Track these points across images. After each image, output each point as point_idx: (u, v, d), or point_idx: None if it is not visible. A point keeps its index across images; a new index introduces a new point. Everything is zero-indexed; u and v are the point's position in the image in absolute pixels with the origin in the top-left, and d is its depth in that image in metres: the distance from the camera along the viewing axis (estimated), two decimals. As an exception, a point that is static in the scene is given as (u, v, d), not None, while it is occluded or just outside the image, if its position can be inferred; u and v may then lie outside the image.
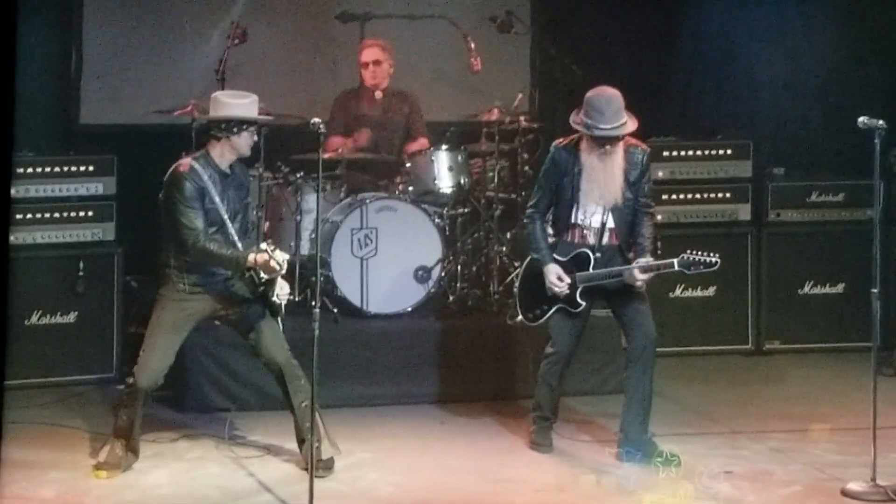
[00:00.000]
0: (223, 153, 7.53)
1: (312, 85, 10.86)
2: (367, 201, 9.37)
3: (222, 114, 7.52)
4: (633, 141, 7.85)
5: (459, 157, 9.70)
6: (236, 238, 7.47)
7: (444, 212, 9.65)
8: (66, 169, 9.37)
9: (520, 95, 10.11)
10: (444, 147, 9.69)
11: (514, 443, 8.19)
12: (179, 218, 7.39)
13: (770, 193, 10.41)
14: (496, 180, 9.78)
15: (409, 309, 9.37)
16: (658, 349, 7.94)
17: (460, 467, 7.76)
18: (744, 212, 10.41)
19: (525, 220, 8.00)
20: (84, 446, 7.89)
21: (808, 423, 8.56)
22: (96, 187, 9.42)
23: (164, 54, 10.77)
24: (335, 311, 9.15)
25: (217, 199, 7.46)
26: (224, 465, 7.73)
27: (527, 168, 9.86)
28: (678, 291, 10.20)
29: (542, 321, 7.92)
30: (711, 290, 10.26)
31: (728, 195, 10.39)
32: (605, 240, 7.80)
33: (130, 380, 7.51)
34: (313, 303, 7.06)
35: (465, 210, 9.84)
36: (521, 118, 9.90)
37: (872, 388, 7.38)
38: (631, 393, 7.82)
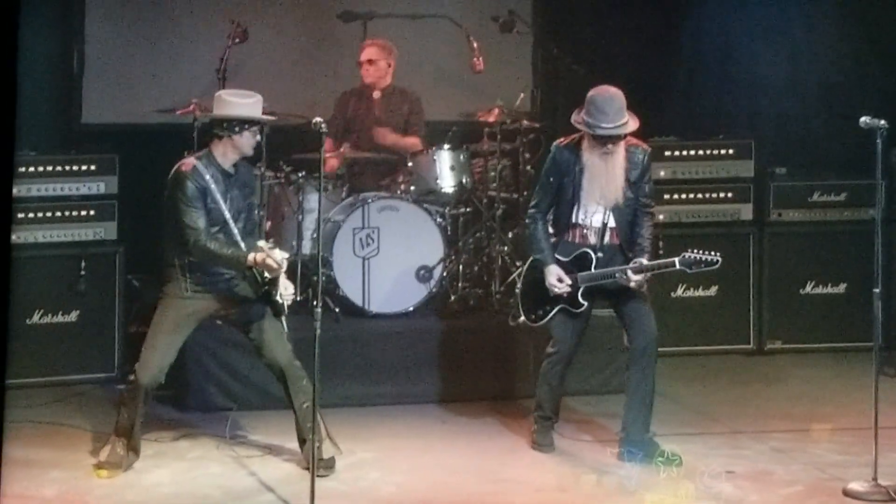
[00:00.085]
0: (225, 152, 7.53)
1: (314, 84, 10.86)
2: (369, 201, 9.37)
3: (224, 113, 7.52)
4: (634, 141, 7.85)
5: (461, 157, 9.70)
6: (239, 237, 7.47)
7: (446, 211, 9.65)
8: (67, 168, 9.38)
9: (521, 95, 10.12)
10: (446, 146, 9.69)
11: (515, 442, 8.19)
12: (181, 217, 7.40)
13: (772, 193, 10.41)
14: (498, 180, 9.78)
15: (411, 308, 9.37)
16: (659, 349, 7.94)
17: (461, 467, 7.76)
18: (745, 211, 10.41)
19: (527, 221, 7.99)
20: (85, 445, 7.89)
21: (809, 423, 8.56)
22: (98, 186, 9.42)
23: (165, 53, 10.78)
24: (337, 310, 9.15)
25: (219, 198, 7.45)
26: (225, 465, 7.73)
27: (529, 168, 9.86)
28: (680, 291, 10.20)
29: (544, 322, 7.91)
30: (713, 290, 10.26)
31: (730, 195, 10.39)
32: (607, 239, 7.80)
33: (132, 377, 7.52)
34: (315, 302, 7.05)
35: (467, 210, 9.84)
36: (523, 118, 9.90)
37: (874, 388, 7.38)
38: (632, 393, 7.82)
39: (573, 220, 7.82)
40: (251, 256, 7.29)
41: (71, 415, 8.54)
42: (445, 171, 9.65)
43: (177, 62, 10.76)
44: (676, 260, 7.68)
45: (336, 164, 9.67)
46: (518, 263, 9.19)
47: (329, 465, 7.52)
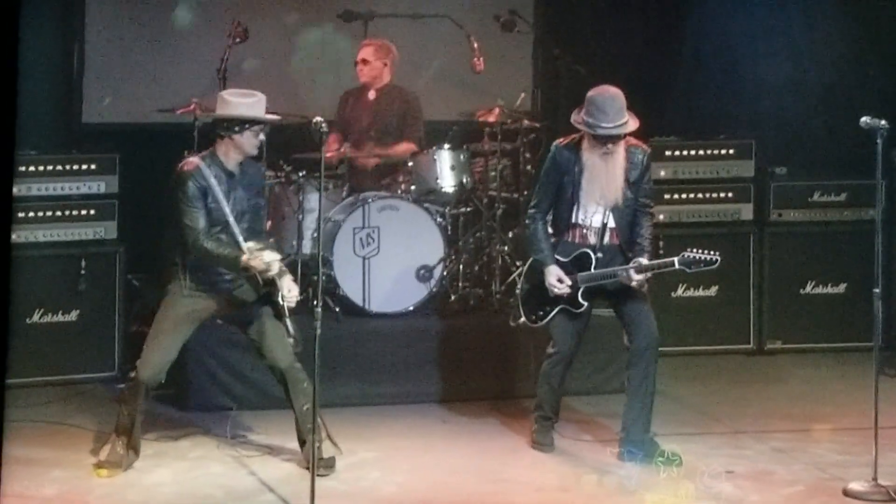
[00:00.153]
0: (228, 152, 7.51)
1: (314, 83, 10.86)
2: (370, 200, 9.37)
3: (226, 112, 7.51)
4: (634, 141, 7.85)
5: (462, 157, 9.70)
6: (240, 238, 7.45)
7: (447, 211, 9.65)
8: (68, 167, 9.37)
9: (522, 95, 10.12)
10: (446, 146, 9.69)
11: (515, 442, 8.19)
12: (181, 217, 7.40)
13: (772, 193, 10.40)
14: (498, 180, 9.79)
15: (411, 308, 9.37)
16: (660, 349, 7.94)
17: (462, 467, 7.76)
18: (746, 211, 10.40)
19: (526, 221, 7.99)
20: (86, 445, 7.89)
21: (809, 423, 8.57)
22: (98, 186, 9.42)
23: (165, 53, 10.78)
24: (337, 310, 9.15)
25: (221, 198, 7.44)
26: (226, 464, 7.73)
27: (529, 167, 9.86)
28: (680, 291, 10.20)
29: (544, 322, 7.91)
30: (713, 290, 10.26)
31: (730, 195, 10.39)
32: (607, 239, 7.80)
33: (133, 374, 7.52)
34: (315, 302, 7.05)
35: (468, 209, 9.84)
36: (524, 117, 9.91)
37: (874, 388, 7.38)
38: (633, 393, 7.82)
39: (573, 221, 7.81)
40: (244, 258, 7.29)
41: (71, 414, 8.54)
42: (446, 170, 9.65)
43: (177, 61, 10.76)
44: (676, 260, 7.68)
45: (335, 152, 9.63)
46: (518, 263, 9.19)
47: (329, 464, 7.52)
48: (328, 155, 9.11)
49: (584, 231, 7.83)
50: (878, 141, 7.42)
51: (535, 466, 7.79)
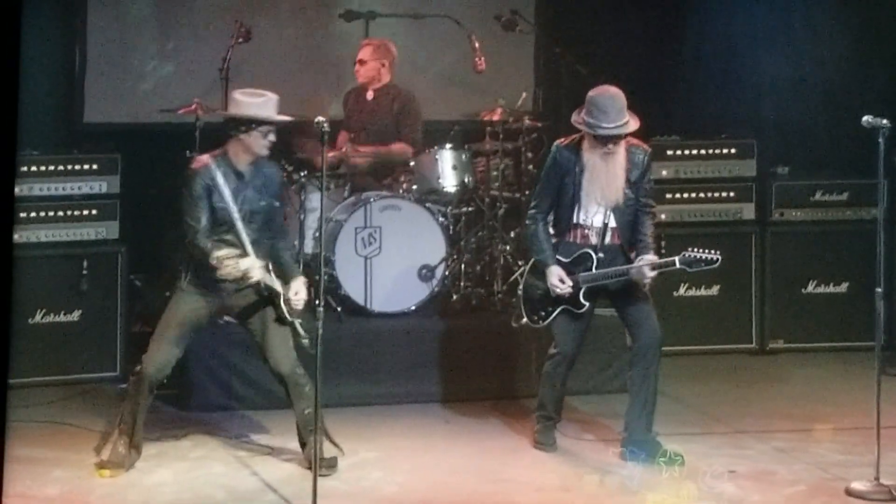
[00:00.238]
0: (237, 152, 7.49)
1: (316, 83, 10.86)
2: (371, 200, 9.37)
3: (233, 112, 7.48)
4: (635, 141, 7.84)
5: (463, 156, 9.70)
6: (246, 239, 7.43)
7: (448, 210, 9.65)
8: (69, 167, 9.37)
9: (524, 94, 10.11)
10: (448, 146, 9.69)
11: (517, 442, 8.19)
12: (184, 213, 7.41)
13: (774, 192, 10.41)
14: (500, 179, 9.79)
15: (413, 308, 9.37)
16: (662, 348, 7.93)
17: (464, 466, 7.75)
18: (748, 211, 10.41)
19: (527, 222, 7.98)
20: (88, 445, 7.87)
21: (811, 423, 8.56)
22: (100, 186, 9.42)
23: (167, 53, 10.78)
24: (339, 309, 9.15)
25: (228, 198, 7.41)
26: (228, 465, 7.73)
27: (531, 167, 9.86)
28: (682, 291, 10.20)
29: (546, 323, 7.90)
30: (715, 290, 10.26)
31: (732, 194, 10.39)
32: (608, 240, 7.80)
33: (138, 367, 7.51)
34: (317, 301, 7.05)
35: (469, 209, 9.84)
36: (525, 117, 9.90)
37: (876, 388, 7.38)
38: (635, 392, 7.82)
39: (574, 221, 7.81)
40: (212, 263, 7.23)
41: (73, 414, 8.54)
42: (447, 170, 9.65)
43: (179, 62, 10.77)
44: (677, 259, 7.68)
45: (337, 152, 9.64)
46: (520, 263, 9.19)
47: (331, 464, 7.52)
48: (329, 154, 9.12)
49: (586, 231, 7.82)
50: (880, 140, 7.42)
51: (536, 466, 7.79)
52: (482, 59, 10.17)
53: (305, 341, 7.43)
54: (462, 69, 10.58)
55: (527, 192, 9.62)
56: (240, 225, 7.43)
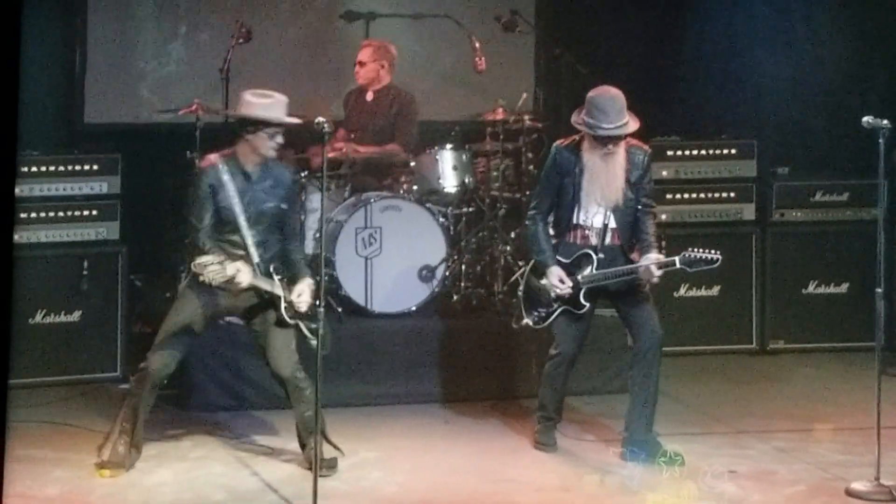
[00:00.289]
0: (245, 153, 7.47)
1: (317, 84, 10.87)
2: (372, 200, 9.37)
3: (241, 112, 7.46)
4: (635, 142, 7.84)
5: (464, 157, 9.70)
6: (249, 240, 7.41)
7: (449, 211, 9.66)
8: (70, 168, 9.37)
9: (524, 95, 10.11)
10: (448, 146, 9.69)
11: (518, 442, 8.19)
12: (188, 212, 7.41)
13: (774, 193, 10.41)
14: (500, 179, 9.79)
15: (414, 308, 9.37)
16: (663, 348, 7.93)
17: (464, 467, 7.75)
18: (748, 211, 10.41)
19: (527, 222, 7.98)
20: (88, 445, 7.87)
21: (812, 423, 8.56)
22: (100, 186, 9.42)
23: (168, 53, 10.79)
24: (339, 310, 9.15)
25: (234, 198, 7.40)
26: (228, 465, 7.73)
27: (531, 167, 9.86)
28: (682, 291, 10.20)
29: (546, 324, 7.90)
30: (715, 290, 10.27)
31: (732, 195, 10.40)
32: (608, 240, 7.79)
33: (142, 364, 7.51)
34: (317, 302, 7.05)
35: (470, 209, 9.84)
36: (526, 117, 9.91)
37: (876, 388, 7.38)
38: (636, 392, 7.82)
39: (574, 222, 7.81)
40: (193, 267, 7.22)
41: (74, 414, 8.54)
42: (448, 170, 9.65)
43: (179, 62, 10.77)
44: (677, 259, 7.68)
45: (337, 152, 9.64)
46: (520, 263, 9.19)
47: (331, 464, 7.51)
48: (331, 154, 9.14)
49: (586, 232, 7.82)
50: (880, 141, 7.42)
51: (536, 466, 7.79)
52: (482, 59, 10.17)
53: (314, 342, 7.42)
54: (462, 69, 10.59)
55: (527, 193, 9.62)
56: (244, 226, 7.42)
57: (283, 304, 7.43)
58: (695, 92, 11.07)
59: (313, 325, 7.30)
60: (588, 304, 7.81)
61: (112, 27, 10.69)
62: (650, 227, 7.80)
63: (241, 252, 7.41)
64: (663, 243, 9.48)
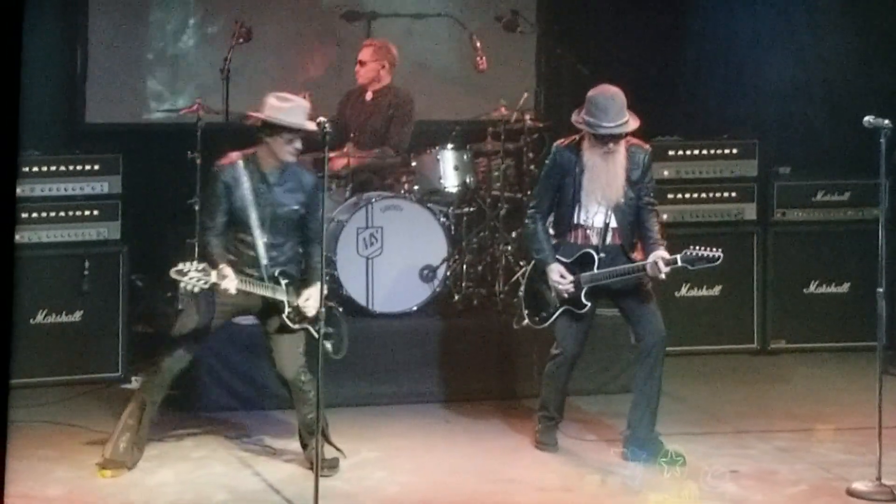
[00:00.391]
0: (264, 155, 7.43)
1: (317, 84, 10.86)
2: (373, 200, 9.36)
3: (261, 114, 7.42)
4: (635, 141, 7.84)
5: (465, 157, 9.71)
6: (259, 242, 7.39)
7: (450, 211, 9.65)
8: (71, 168, 9.37)
9: (525, 94, 10.11)
10: (449, 146, 9.70)
11: (519, 442, 8.19)
12: (202, 210, 7.41)
13: (776, 193, 10.41)
14: (501, 179, 9.79)
15: (415, 308, 9.37)
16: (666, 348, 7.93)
17: (465, 466, 7.75)
18: (749, 211, 10.40)
19: (527, 221, 7.97)
20: (90, 445, 7.87)
21: (813, 423, 8.56)
22: (101, 186, 9.42)
23: (169, 53, 10.79)
24: (340, 310, 9.14)
25: (249, 199, 7.37)
26: (230, 465, 7.73)
27: (532, 167, 9.86)
28: (684, 290, 10.20)
29: (548, 324, 7.90)
30: (717, 290, 10.26)
31: (734, 194, 10.39)
32: (609, 240, 7.79)
33: (153, 361, 7.50)
34: (322, 306, 7.05)
35: (471, 209, 9.84)
36: (527, 117, 9.90)
37: (878, 388, 7.38)
38: (639, 391, 7.81)
39: (575, 221, 7.80)
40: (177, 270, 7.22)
41: (75, 414, 8.54)
42: (449, 170, 9.65)
43: (180, 61, 10.77)
44: (679, 257, 7.67)
45: (341, 163, 9.64)
46: (522, 263, 9.19)
47: (333, 464, 7.51)
48: (332, 156, 9.13)
49: (587, 232, 7.82)
50: (882, 140, 7.43)
51: (537, 466, 7.79)
52: (483, 59, 10.17)
53: (328, 345, 7.40)
54: (463, 69, 10.59)
55: (528, 193, 9.62)
56: (255, 227, 7.39)
57: (286, 309, 7.41)
58: (696, 92, 11.07)
59: (327, 329, 7.27)
60: (589, 304, 7.81)
61: (113, 27, 10.69)
62: (654, 226, 7.80)
63: (252, 253, 7.41)
64: (665, 243, 9.48)
